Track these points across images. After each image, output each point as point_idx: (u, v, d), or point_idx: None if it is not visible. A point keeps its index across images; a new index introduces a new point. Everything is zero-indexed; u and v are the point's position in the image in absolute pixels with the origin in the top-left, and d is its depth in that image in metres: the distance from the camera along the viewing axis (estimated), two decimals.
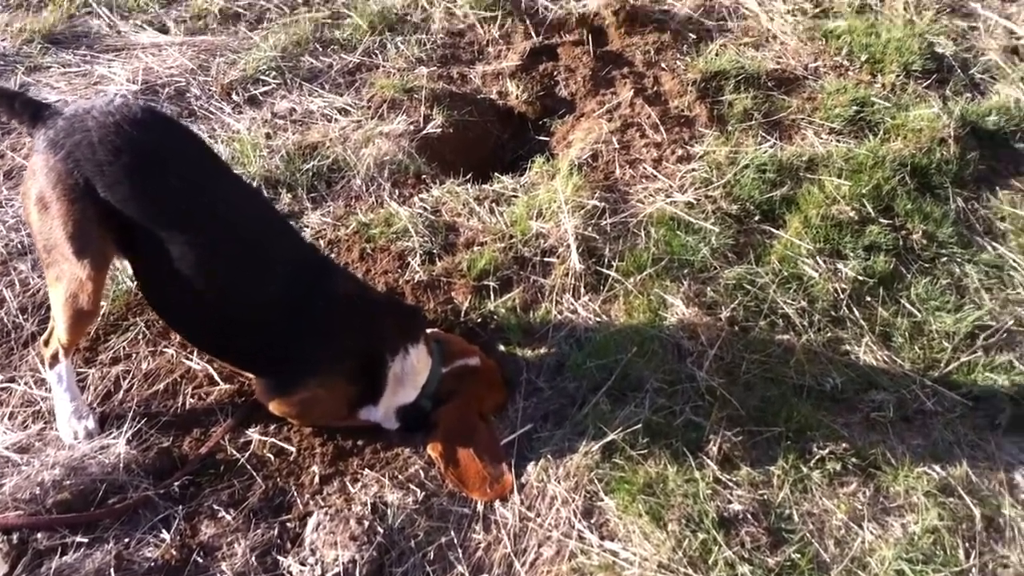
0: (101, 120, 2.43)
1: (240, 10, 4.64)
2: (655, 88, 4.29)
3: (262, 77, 4.01)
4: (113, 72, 3.90)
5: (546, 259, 3.37)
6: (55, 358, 2.71)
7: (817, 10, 4.93)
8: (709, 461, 2.78)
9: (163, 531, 2.53)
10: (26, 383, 2.84)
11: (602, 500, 2.69)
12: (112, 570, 2.41)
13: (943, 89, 4.42)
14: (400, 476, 2.73)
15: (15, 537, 2.43)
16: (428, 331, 2.91)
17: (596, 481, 2.72)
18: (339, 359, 2.71)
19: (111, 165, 2.40)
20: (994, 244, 3.69)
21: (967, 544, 2.64)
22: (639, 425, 2.82)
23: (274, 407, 2.75)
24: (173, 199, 2.49)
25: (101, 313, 3.04)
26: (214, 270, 2.53)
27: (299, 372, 2.67)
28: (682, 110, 4.15)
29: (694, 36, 4.65)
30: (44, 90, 3.80)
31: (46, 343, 2.75)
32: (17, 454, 2.62)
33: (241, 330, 2.64)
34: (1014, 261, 3.61)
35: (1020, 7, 5.06)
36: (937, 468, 2.84)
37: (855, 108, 4.19)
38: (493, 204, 3.58)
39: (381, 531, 2.56)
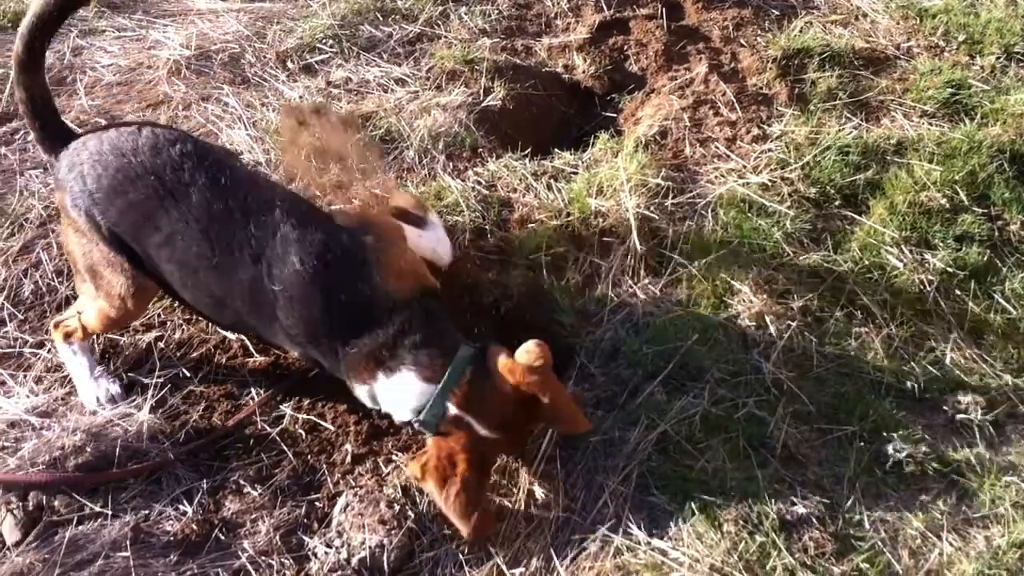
0: (94, 149, 2.37)
1: None
2: (732, 65, 4.03)
3: (319, 45, 3.87)
4: (167, 37, 3.80)
5: (604, 239, 3.15)
6: (70, 336, 2.63)
7: None
8: (772, 459, 2.57)
9: (185, 504, 2.43)
10: (55, 348, 2.74)
11: (652, 495, 2.48)
12: (128, 543, 2.30)
13: None
14: None
15: (31, 503, 2.34)
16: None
17: (647, 475, 2.53)
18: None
19: (98, 192, 2.34)
20: None
21: None
22: (696, 417, 2.63)
23: None
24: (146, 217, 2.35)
25: None
26: (199, 279, 2.36)
27: None
28: (760, 88, 3.89)
29: (777, 13, 4.38)
30: (97, 54, 3.73)
31: (56, 325, 2.65)
32: (38, 418, 2.53)
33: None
34: None
35: None
36: None
37: (950, 90, 3.88)
38: (551, 180, 3.38)
39: (412, 515, 2.42)
